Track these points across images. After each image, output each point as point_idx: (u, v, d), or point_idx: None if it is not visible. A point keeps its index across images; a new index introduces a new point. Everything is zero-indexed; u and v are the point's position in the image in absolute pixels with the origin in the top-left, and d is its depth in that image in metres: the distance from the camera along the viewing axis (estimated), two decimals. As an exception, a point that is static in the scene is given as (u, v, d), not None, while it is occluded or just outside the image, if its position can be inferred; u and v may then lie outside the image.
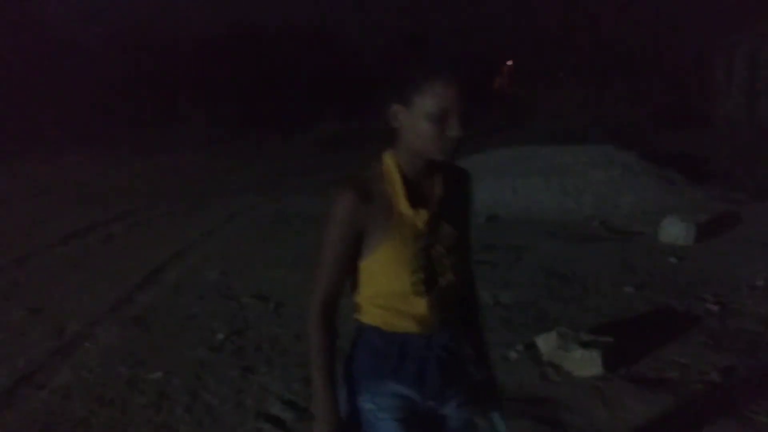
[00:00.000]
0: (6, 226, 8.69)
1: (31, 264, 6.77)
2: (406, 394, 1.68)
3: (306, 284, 5.60)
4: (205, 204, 10.16)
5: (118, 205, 9.91)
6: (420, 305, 1.63)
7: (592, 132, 14.07)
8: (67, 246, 7.58)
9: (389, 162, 1.65)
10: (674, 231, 6.94)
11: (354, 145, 16.27)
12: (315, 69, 20.18)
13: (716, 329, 4.48)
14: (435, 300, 1.64)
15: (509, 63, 25.71)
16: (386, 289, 1.65)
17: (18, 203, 10.39)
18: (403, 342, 1.67)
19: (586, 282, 5.61)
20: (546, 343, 4.14)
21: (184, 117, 18.16)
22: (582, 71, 20.77)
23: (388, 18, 23.01)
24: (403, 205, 1.60)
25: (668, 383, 3.72)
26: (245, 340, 4.57)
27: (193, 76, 19.44)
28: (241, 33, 20.71)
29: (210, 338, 4.59)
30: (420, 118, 1.54)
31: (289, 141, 17.36)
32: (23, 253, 7.13)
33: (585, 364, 3.86)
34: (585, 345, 3.94)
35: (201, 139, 17.16)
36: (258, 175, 13.53)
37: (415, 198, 1.62)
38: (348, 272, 1.67)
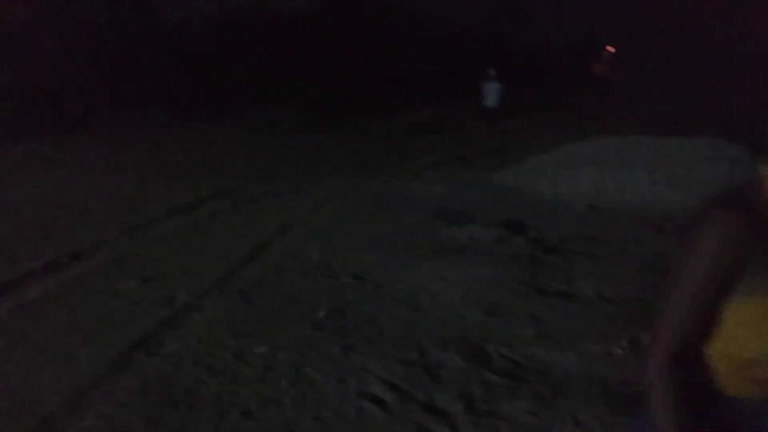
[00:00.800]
0: (113, 198, 9.11)
1: (140, 236, 7.08)
2: None
3: (404, 266, 5.67)
4: (306, 184, 10.36)
5: (222, 182, 10.22)
6: None
7: (698, 123, 13.49)
8: (173, 219, 7.89)
9: None
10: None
11: (449, 129, 16.25)
12: (411, 53, 20.17)
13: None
14: None
15: (610, 49, 25.00)
16: None
17: (123, 176, 10.85)
18: None
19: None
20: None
21: (284, 98, 18.53)
22: (689, 59, 19.92)
23: (483, 3, 22.73)
24: None
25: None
26: (345, 319, 4.65)
27: (292, 55, 19.78)
28: (337, 13, 20.92)
29: (311, 315, 4.69)
30: None
31: (386, 124, 17.45)
32: (131, 225, 7.47)
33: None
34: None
35: (300, 120, 17.48)
36: (357, 157, 13.68)
37: None
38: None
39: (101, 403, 3.46)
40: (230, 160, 13.02)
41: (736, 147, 9.75)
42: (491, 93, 16.27)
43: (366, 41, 20.52)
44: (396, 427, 3.26)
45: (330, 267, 5.87)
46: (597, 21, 23.08)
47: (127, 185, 9.96)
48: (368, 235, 7.02)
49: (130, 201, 8.89)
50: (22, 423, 3.27)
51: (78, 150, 13.29)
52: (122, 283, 5.44)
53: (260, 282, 5.47)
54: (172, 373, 3.83)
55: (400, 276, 5.56)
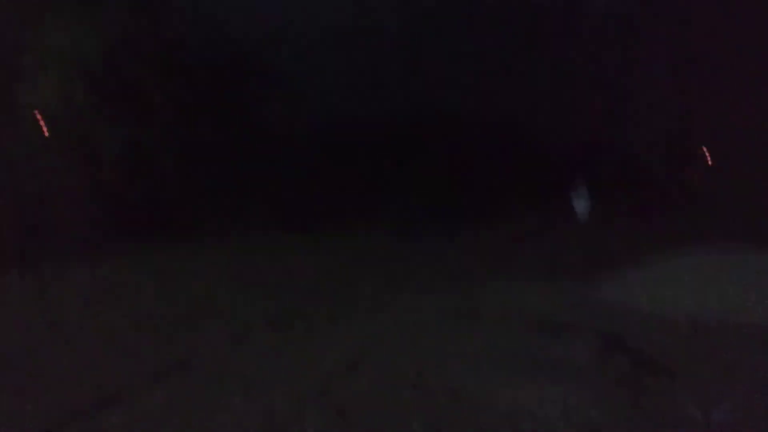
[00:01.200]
0: (215, 305, 9.45)
1: (240, 347, 7.30)
2: None
3: (501, 384, 5.59)
4: (399, 292, 10.45)
5: (318, 293, 10.46)
6: None
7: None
8: (270, 332, 8.09)
9: None
10: None
11: (546, 240, 16.12)
12: (506, 160, 20.41)
13: None
14: None
15: (703, 151, 24.37)
16: None
17: (225, 284, 11.24)
18: None
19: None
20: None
21: (378, 206, 18.90)
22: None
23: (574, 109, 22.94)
24: None
25: None
26: (444, 440, 4.61)
27: (389, 160, 20.30)
28: (438, 121, 21.52)
29: (409, 433, 4.69)
30: None
31: (482, 234, 17.42)
32: (230, 335, 7.72)
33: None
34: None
35: (397, 226, 17.71)
36: (449, 267, 13.68)
37: None
38: None
39: None
40: (327, 270, 13.31)
41: None
42: (581, 202, 16.13)
43: (460, 147, 20.91)
44: None
45: (425, 383, 5.86)
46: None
47: (226, 293, 10.35)
48: (464, 349, 6.98)
49: (231, 309, 9.21)
50: None
51: (183, 258, 13.96)
52: (226, 397, 5.60)
53: (356, 396, 5.52)
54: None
55: (497, 394, 5.48)
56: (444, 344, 7.31)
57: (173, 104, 16.25)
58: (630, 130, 22.44)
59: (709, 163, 24.25)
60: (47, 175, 14.32)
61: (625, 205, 19.17)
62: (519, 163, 20.66)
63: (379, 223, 18.17)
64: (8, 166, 14.10)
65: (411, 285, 11.61)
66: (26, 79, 13.46)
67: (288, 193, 18.67)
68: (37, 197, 14.88)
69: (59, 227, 14.98)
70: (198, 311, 9.09)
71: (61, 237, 15.00)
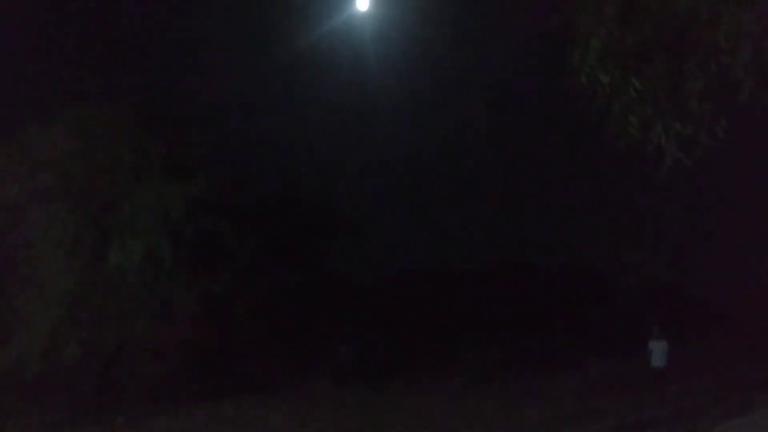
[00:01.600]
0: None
1: None
2: None
3: None
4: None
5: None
6: None
7: None
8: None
9: None
10: None
11: (626, 386, 15.48)
12: (580, 306, 20.18)
13: None
14: None
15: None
16: None
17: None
18: None
19: None
20: None
21: (455, 352, 18.70)
22: None
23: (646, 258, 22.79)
24: None
25: None
26: None
27: (465, 311, 20.26)
28: (510, 270, 21.60)
29: None
30: None
31: (558, 381, 16.83)
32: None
33: None
34: None
35: (470, 374, 17.33)
36: (529, 422, 13.17)
37: None
38: None
39: None
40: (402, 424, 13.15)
41: None
42: (658, 353, 15.37)
43: (537, 295, 20.84)
44: None
45: None
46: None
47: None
48: None
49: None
50: None
51: (262, 412, 14.03)
52: None
53: None
54: None
55: None
56: None
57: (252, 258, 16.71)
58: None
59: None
60: (128, 330, 14.80)
61: (705, 354, 18.40)
62: (598, 309, 20.41)
63: (452, 372, 17.93)
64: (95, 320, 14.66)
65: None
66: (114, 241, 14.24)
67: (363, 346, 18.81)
68: (118, 353, 15.42)
69: (139, 382, 15.39)
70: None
71: (140, 390, 15.37)
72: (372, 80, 19.31)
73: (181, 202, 14.66)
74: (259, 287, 17.06)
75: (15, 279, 14.32)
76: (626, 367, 16.75)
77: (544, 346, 18.98)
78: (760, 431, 9.24)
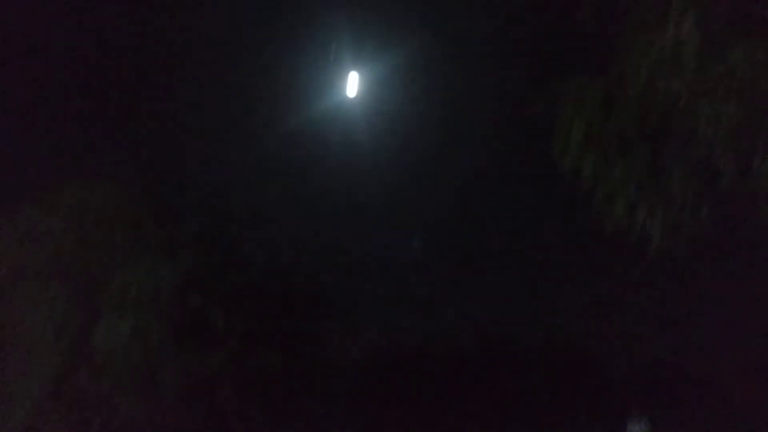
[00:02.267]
0: None
1: None
2: None
3: None
4: None
5: None
6: None
7: None
8: None
9: None
10: None
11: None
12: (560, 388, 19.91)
13: None
14: None
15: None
16: None
17: None
18: None
19: None
20: None
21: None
22: None
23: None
24: None
25: None
26: None
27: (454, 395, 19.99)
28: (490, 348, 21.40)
29: None
30: None
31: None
32: None
33: None
34: None
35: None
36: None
37: None
38: None
39: None
40: None
41: None
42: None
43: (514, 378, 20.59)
44: None
45: None
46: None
47: None
48: None
49: None
50: None
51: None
52: None
53: None
54: None
55: None
56: None
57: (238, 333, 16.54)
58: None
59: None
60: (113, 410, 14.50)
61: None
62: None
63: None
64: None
65: None
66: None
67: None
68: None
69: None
70: None
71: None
72: (362, 163, 19.55)
73: (171, 279, 14.61)
74: (248, 368, 16.82)
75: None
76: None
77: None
78: None
